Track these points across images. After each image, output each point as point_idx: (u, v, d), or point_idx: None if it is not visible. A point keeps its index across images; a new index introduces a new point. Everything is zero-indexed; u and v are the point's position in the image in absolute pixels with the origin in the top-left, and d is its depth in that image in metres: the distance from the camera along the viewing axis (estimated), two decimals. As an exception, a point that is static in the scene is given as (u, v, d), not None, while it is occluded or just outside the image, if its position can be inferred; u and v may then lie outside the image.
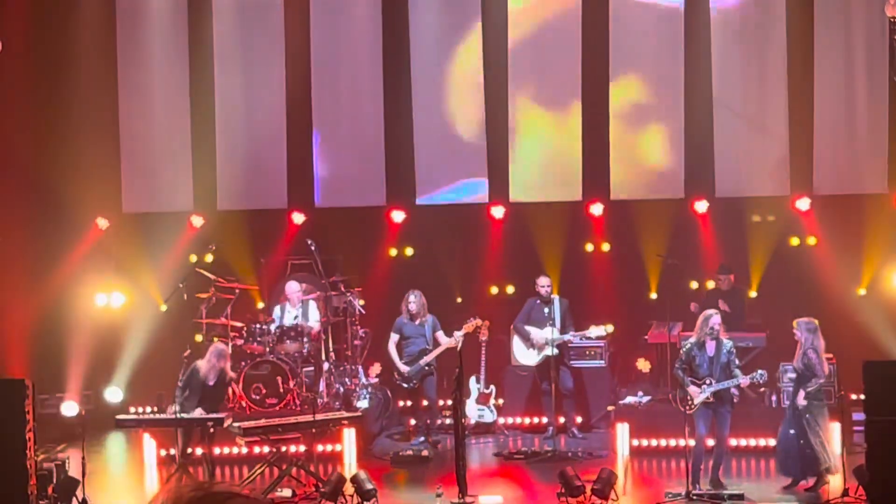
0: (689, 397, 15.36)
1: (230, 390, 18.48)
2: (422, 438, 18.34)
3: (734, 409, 15.76)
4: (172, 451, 16.36)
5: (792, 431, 15.57)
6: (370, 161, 21.05)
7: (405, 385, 18.49)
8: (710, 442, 15.66)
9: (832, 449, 15.46)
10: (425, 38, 20.96)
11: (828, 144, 20.21)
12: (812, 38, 20.10)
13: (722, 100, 20.33)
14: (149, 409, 18.63)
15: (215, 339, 18.60)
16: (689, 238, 20.25)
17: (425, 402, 18.63)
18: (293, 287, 19.18)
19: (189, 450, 16.30)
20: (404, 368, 18.34)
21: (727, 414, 15.52)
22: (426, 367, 18.33)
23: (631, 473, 16.97)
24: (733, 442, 16.56)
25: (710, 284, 19.45)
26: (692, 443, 15.47)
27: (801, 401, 15.43)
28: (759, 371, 15.58)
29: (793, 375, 15.94)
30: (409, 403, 19.31)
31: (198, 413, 16.07)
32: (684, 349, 15.67)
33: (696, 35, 20.32)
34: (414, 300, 18.39)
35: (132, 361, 19.93)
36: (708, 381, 15.33)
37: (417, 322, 18.42)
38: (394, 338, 18.53)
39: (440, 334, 18.36)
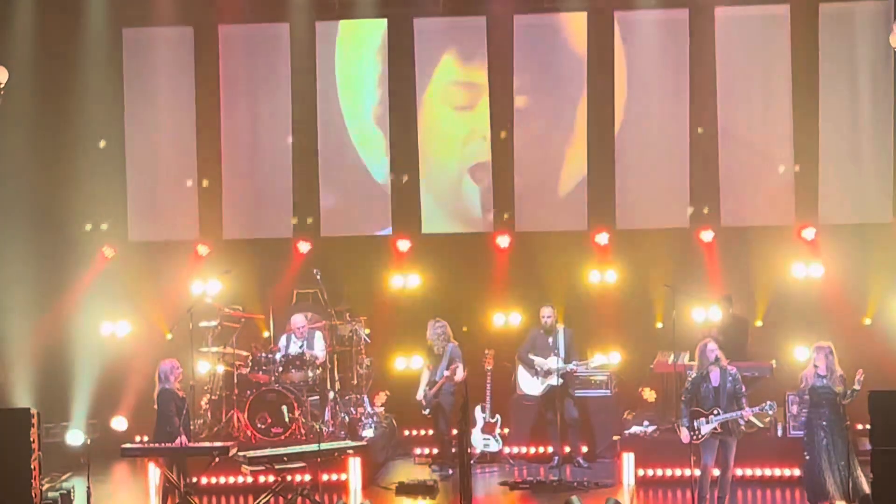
0: (696, 426, 15.34)
1: (235, 418, 18.48)
2: (436, 467, 18.37)
3: (742, 438, 15.74)
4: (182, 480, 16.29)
5: (807, 456, 15.56)
6: (376, 191, 21.15)
7: (423, 411, 18.59)
8: (716, 472, 15.64)
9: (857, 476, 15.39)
10: (425, 72, 21.10)
11: (833, 174, 20.24)
12: (817, 67, 20.17)
13: (727, 129, 20.40)
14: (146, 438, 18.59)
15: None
16: (694, 268, 20.26)
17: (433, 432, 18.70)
18: (299, 321, 19.16)
19: (194, 479, 16.24)
20: (420, 396, 18.45)
21: (733, 444, 15.50)
22: (436, 398, 18.38)
23: (636, 503, 16.93)
24: (738, 472, 16.49)
25: (716, 315, 19.41)
26: (698, 473, 15.45)
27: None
28: (769, 402, 15.55)
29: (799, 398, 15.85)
30: (422, 433, 19.40)
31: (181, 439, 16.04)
32: (689, 381, 15.67)
33: (700, 65, 20.38)
34: (429, 333, 18.52)
35: (138, 390, 19.90)
36: (715, 412, 15.32)
37: (437, 352, 18.49)
38: (425, 362, 18.65)
39: (456, 367, 18.36)
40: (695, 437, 15.37)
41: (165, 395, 16.14)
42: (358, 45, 21.32)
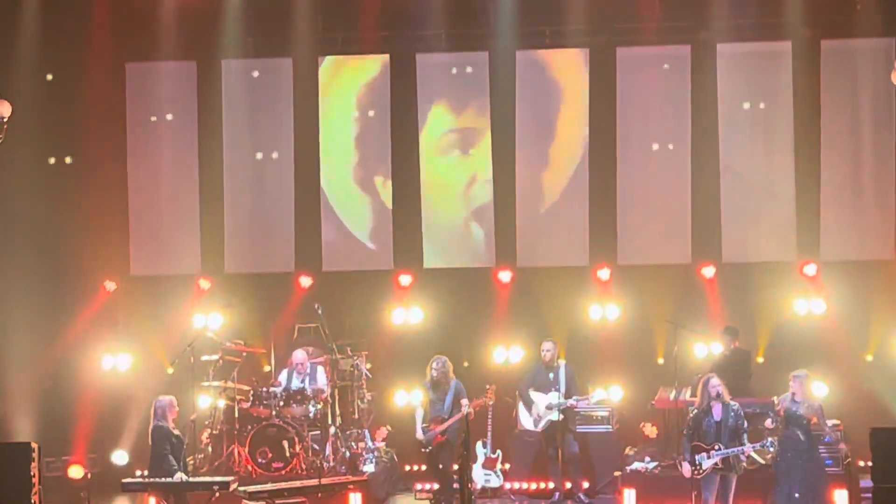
0: (697, 461, 15.34)
1: (236, 452, 18.45)
2: (437, 504, 18.31)
3: (742, 474, 15.75)
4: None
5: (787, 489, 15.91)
6: (377, 225, 21.18)
7: (423, 449, 18.41)
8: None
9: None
10: (429, 102, 21.16)
11: (835, 211, 20.27)
12: (819, 104, 20.22)
13: (729, 166, 20.44)
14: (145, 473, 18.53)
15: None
16: (696, 303, 20.26)
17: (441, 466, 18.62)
18: (299, 356, 19.16)
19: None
20: (419, 435, 18.20)
21: (733, 480, 15.49)
22: (443, 434, 18.22)
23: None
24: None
25: (717, 350, 19.41)
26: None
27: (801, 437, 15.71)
28: (770, 439, 15.59)
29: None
30: (423, 468, 19.24)
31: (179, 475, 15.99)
32: (692, 416, 15.67)
33: (702, 101, 20.44)
34: (436, 367, 18.26)
35: (139, 424, 19.87)
36: (717, 447, 15.31)
37: (440, 389, 18.30)
38: (422, 400, 18.43)
39: (464, 402, 18.17)
40: (696, 472, 15.36)
41: (159, 433, 16.05)
42: (357, 81, 21.37)
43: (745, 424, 15.65)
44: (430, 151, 21.24)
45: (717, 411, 15.49)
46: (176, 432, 16.19)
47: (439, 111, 21.22)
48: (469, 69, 21.12)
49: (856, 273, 20.04)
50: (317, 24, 20.94)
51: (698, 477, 15.38)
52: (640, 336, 20.46)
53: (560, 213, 21.03)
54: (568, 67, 20.96)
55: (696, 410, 15.71)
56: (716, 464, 15.34)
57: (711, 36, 20.47)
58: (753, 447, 15.55)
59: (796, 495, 15.71)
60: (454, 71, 21.18)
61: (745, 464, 15.82)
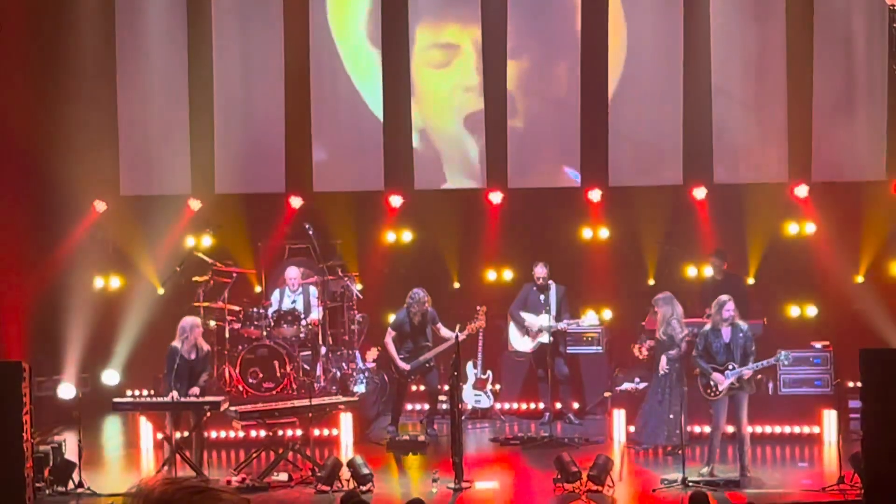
0: (712, 384, 15.36)
1: (226, 372, 18.48)
2: (427, 426, 18.29)
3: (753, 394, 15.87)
4: (160, 435, 16.25)
5: (658, 399, 16.83)
6: (369, 145, 21.08)
7: (407, 379, 18.34)
8: (730, 428, 15.81)
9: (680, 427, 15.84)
10: (420, 20, 21.01)
11: (826, 132, 20.21)
12: (812, 25, 20.10)
13: (721, 87, 20.35)
14: (145, 392, 18.60)
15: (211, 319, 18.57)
16: (687, 225, 20.25)
17: (422, 388, 18.65)
18: (292, 272, 19.16)
19: (178, 434, 16.16)
20: (404, 366, 18.18)
21: (745, 399, 15.50)
22: (427, 364, 18.21)
23: (627, 460, 16.96)
24: (730, 429, 16.51)
25: (708, 272, 19.42)
26: (709, 429, 15.64)
27: (664, 367, 16.59)
28: (784, 352, 15.61)
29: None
30: (412, 388, 19.30)
31: (195, 393, 16.03)
32: (701, 336, 15.66)
33: (695, 21, 20.31)
34: (423, 299, 18.13)
35: (129, 344, 19.92)
36: (730, 367, 15.32)
37: (421, 319, 18.23)
38: (391, 333, 18.37)
39: (440, 327, 18.21)
40: (712, 394, 15.40)
41: (169, 352, 16.17)
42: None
43: (754, 347, 15.61)
44: (419, 62, 21.11)
45: (725, 332, 15.51)
46: (186, 356, 16.15)
47: (425, 29, 21.06)
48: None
49: (847, 194, 20.02)
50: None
51: (713, 399, 15.42)
52: (631, 257, 20.46)
53: (552, 133, 20.94)
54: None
55: (705, 331, 15.68)
56: (732, 383, 15.35)
57: (704, -45, 20.34)
58: (768, 362, 15.58)
59: (671, 416, 16.62)
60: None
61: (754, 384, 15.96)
